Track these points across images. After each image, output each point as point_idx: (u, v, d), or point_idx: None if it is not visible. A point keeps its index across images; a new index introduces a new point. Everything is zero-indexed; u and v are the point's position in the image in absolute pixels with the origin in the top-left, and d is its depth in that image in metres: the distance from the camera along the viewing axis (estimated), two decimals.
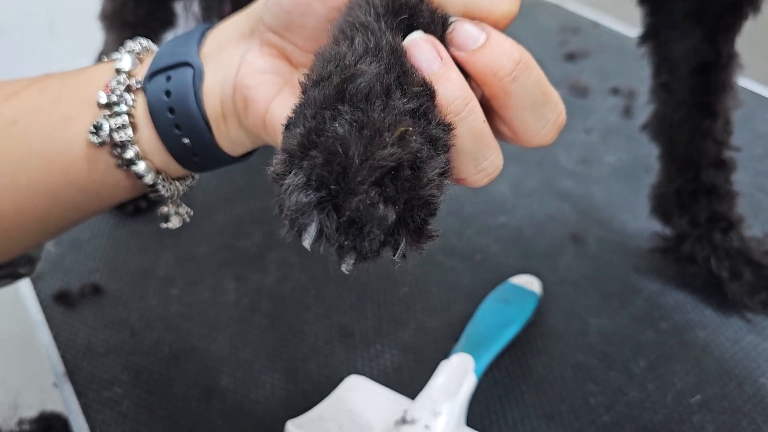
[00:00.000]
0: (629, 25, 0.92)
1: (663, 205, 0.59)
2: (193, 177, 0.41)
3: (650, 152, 0.70)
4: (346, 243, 0.27)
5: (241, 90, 0.35)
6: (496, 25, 0.31)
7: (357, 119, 0.28)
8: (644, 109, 0.76)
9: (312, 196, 0.26)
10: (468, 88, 0.30)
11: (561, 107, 0.33)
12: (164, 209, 0.41)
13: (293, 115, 0.29)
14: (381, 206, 0.26)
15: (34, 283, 0.64)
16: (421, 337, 0.56)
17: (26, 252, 0.44)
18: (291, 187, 0.26)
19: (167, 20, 0.75)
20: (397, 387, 0.52)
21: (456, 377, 0.49)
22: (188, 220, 0.42)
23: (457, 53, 0.31)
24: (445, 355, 0.52)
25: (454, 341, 0.54)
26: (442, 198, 0.29)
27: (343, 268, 0.27)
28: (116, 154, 0.37)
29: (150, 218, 0.69)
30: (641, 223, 0.64)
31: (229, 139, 0.37)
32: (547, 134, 0.33)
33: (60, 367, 0.57)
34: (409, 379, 0.53)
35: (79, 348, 0.59)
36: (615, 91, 0.79)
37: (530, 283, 0.57)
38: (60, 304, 0.62)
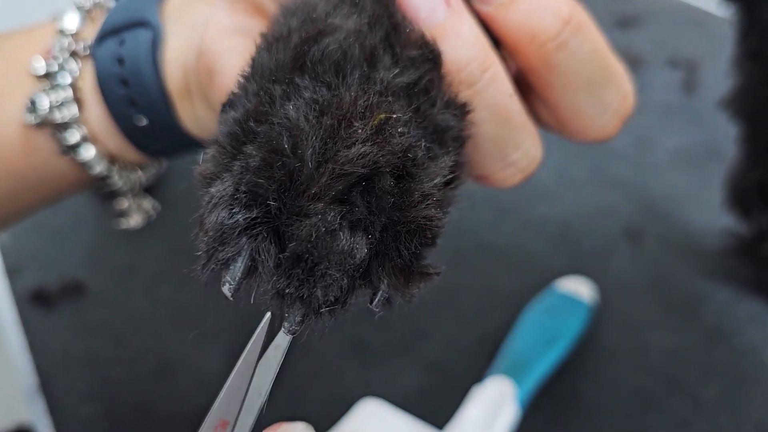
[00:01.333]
0: None
1: (741, 196, 0.50)
2: (158, 162, 0.33)
3: (716, 135, 0.61)
4: (287, 291, 0.18)
5: (206, 58, 0.27)
6: None
7: (318, 99, 0.18)
8: (707, 85, 0.67)
9: (239, 215, 0.17)
10: (486, 47, 0.21)
11: (627, 87, 0.24)
12: (123, 204, 0.33)
13: (235, 91, 0.20)
14: (344, 235, 0.17)
15: (9, 278, 0.56)
16: (450, 353, 0.48)
17: None
18: (213, 200, 0.18)
19: None
20: (420, 413, 0.44)
21: (493, 406, 0.41)
22: (154, 215, 0.34)
23: (481, 7, 0.22)
24: (480, 376, 0.44)
25: (489, 359, 0.46)
26: (447, 219, 0.20)
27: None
28: (57, 137, 0.30)
29: None
30: (708, 218, 0.55)
31: (196, 119, 0.29)
32: (606, 125, 0.24)
33: (33, 378, 0.50)
34: (434, 404, 0.45)
35: (55, 355, 0.51)
36: (673, 64, 0.69)
37: (580, 288, 0.48)
38: (37, 304, 0.54)
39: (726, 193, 0.51)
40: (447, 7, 0.21)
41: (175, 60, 0.29)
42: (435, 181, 0.19)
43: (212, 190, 0.18)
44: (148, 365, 0.50)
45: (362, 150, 0.17)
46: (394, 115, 0.19)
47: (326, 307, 0.18)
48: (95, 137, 0.30)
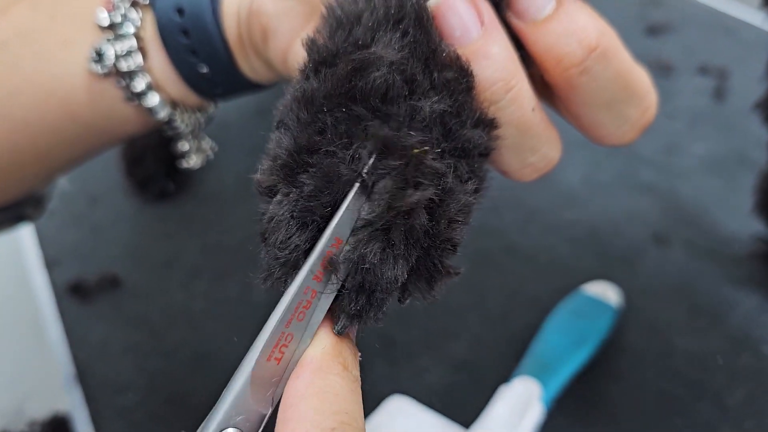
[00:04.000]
0: None
1: None
2: (215, 104, 0.35)
3: (746, 142, 0.61)
4: (349, 311, 0.21)
5: (260, 18, 0.28)
6: None
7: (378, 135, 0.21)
8: (737, 92, 0.67)
9: (297, 238, 0.20)
10: (512, 67, 0.23)
11: (649, 101, 0.25)
12: (184, 146, 0.35)
13: (286, 107, 0.22)
14: (389, 267, 0.20)
15: (49, 270, 0.58)
16: (476, 352, 0.48)
17: (29, 192, 0.38)
18: (275, 219, 0.20)
19: None
20: (446, 411, 0.45)
21: (519, 405, 0.41)
22: (212, 156, 0.36)
23: (514, 21, 0.23)
24: (506, 376, 0.45)
25: (516, 359, 0.46)
26: (468, 227, 0.22)
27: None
28: (123, 85, 0.31)
29: (177, 202, 0.62)
30: (737, 223, 0.55)
31: (252, 69, 0.31)
32: (624, 135, 0.25)
33: (70, 368, 0.52)
34: (461, 402, 0.46)
35: (93, 346, 0.53)
36: (703, 71, 0.69)
37: (606, 292, 0.48)
38: (75, 296, 0.56)
39: (755, 199, 0.51)
40: (480, 26, 0.22)
41: (231, 12, 0.30)
42: (461, 204, 0.21)
43: (272, 207, 0.21)
44: (184, 357, 0.51)
45: (414, 196, 0.20)
46: (429, 150, 0.20)
47: (372, 319, 0.21)
48: (158, 84, 0.31)
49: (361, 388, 0.49)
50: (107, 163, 0.63)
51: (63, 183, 0.61)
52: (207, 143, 0.36)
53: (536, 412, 0.41)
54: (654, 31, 0.75)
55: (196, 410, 0.49)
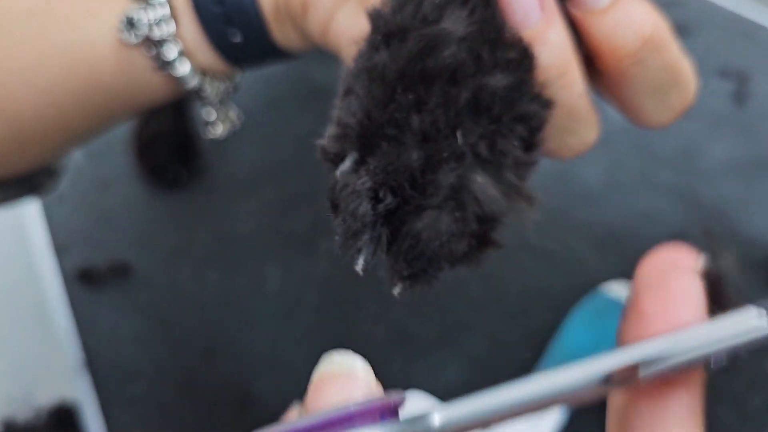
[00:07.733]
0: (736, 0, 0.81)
1: None
2: (242, 72, 0.34)
3: (766, 146, 0.61)
4: (404, 274, 0.21)
5: None
6: None
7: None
8: (757, 97, 0.66)
9: (378, 208, 0.20)
10: (567, 54, 0.23)
11: (691, 88, 0.26)
12: (211, 115, 0.34)
13: (354, 74, 0.22)
14: (455, 240, 0.20)
15: (58, 256, 0.57)
16: (494, 347, 0.48)
17: (47, 162, 0.38)
18: (351, 188, 0.20)
19: None
20: None
21: None
22: (238, 125, 0.35)
23: (572, 9, 0.23)
24: (522, 373, 0.44)
25: (533, 357, 0.46)
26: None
27: (395, 291, 0.22)
28: (153, 54, 0.30)
29: (189, 190, 0.61)
30: (756, 228, 0.54)
31: (287, 39, 0.30)
32: (663, 119, 0.26)
33: (79, 355, 0.51)
34: None
35: (102, 334, 0.52)
36: (722, 74, 0.69)
37: (627, 293, 0.48)
38: (84, 283, 0.55)
39: None
40: (540, 12, 0.22)
41: None
42: (519, 174, 0.22)
43: (346, 178, 0.20)
44: (194, 347, 0.50)
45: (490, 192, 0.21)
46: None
47: (426, 281, 0.21)
48: (189, 52, 0.31)
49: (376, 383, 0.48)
50: (119, 149, 0.62)
51: (74, 166, 0.61)
52: (234, 112, 0.36)
53: (557, 417, 0.40)
54: (674, 32, 0.75)
55: (206, 401, 0.48)
